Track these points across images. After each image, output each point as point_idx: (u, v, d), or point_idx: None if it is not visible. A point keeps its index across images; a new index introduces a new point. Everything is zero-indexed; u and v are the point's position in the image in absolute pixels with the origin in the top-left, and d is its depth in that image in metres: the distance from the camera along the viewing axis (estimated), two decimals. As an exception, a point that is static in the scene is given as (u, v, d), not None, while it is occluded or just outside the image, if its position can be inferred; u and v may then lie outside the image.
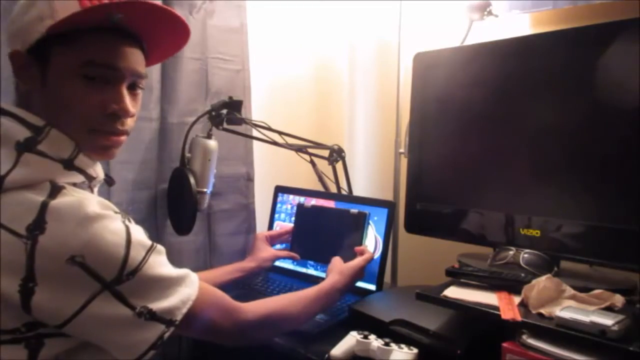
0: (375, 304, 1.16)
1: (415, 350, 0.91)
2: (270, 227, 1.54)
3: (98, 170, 0.79)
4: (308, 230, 1.37)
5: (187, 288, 0.76)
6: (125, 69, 0.76)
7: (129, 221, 0.74)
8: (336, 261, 1.16)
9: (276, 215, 1.54)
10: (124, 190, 1.29)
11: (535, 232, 1.07)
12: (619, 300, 0.84)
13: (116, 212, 0.73)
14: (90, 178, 0.77)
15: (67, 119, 0.74)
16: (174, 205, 1.36)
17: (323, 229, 1.33)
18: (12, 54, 0.75)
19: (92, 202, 0.70)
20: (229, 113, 1.35)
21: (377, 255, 1.31)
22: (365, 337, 0.96)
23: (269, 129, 1.43)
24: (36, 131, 0.72)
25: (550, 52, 1.08)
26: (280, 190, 1.56)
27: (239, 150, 1.53)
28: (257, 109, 1.55)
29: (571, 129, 1.04)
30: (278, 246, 1.42)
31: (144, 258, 0.71)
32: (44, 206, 0.67)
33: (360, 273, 1.15)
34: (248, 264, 1.30)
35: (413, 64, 1.31)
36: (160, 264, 0.74)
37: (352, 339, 0.97)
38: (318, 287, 1.04)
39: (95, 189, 0.81)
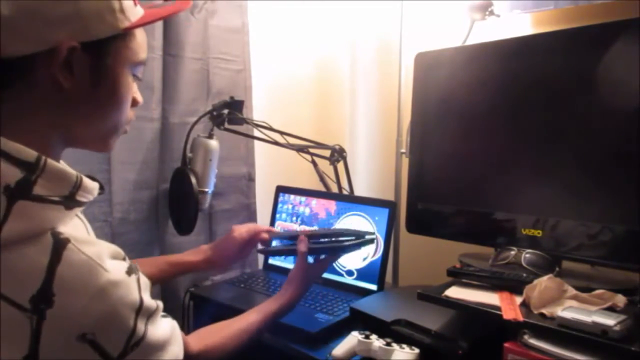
0: (376, 303, 1.16)
1: (416, 350, 0.91)
2: (272, 227, 1.54)
3: (95, 191, 0.70)
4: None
5: (175, 346, 0.73)
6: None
7: (139, 274, 0.67)
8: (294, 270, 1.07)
9: (277, 215, 1.54)
10: (125, 190, 1.29)
11: (537, 232, 1.07)
12: (620, 300, 0.84)
13: (129, 270, 0.65)
14: (86, 204, 0.68)
15: (117, 115, 0.71)
16: (176, 205, 1.36)
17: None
18: (64, 46, 0.61)
19: (104, 260, 0.62)
20: (230, 113, 1.35)
21: (379, 255, 1.31)
22: (367, 337, 0.96)
23: (270, 129, 1.43)
24: (28, 169, 0.59)
25: (551, 52, 1.08)
26: (281, 190, 1.56)
27: (240, 150, 1.53)
28: (259, 109, 1.56)
29: (572, 129, 1.04)
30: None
31: (145, 325, 0.65)
32: (50, 273, 0.57)
33: (317, 271, 1.07)
34: (189, 257, 1.15)
35: (414, 64, 1.31)
36: (156, 325, 0.68)
37: (353, 339, 0.97)
38: (268, 312, 0.99)
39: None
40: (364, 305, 1.13)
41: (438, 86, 1.26)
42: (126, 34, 0.67)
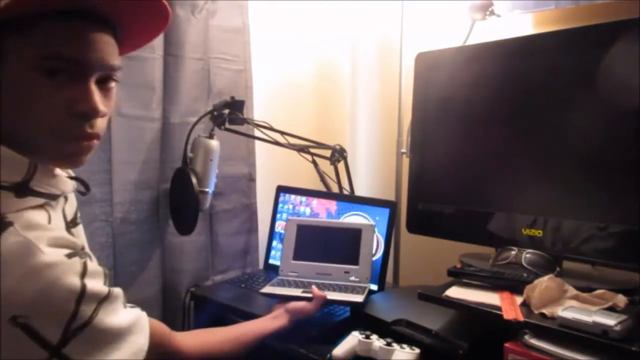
0: (377, 303, 1.15)
1: (417, 350, 0.91)
2: (272, 226, 1.54)
3: (63, 186, 0.68)
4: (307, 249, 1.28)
5: (138, 336, 0.69)
6: (94, 61, 0.64)
7: (90, 259, 0.65)
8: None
9: (278, 215, 1.54)
10: (126, 191, 1.29)
11: (538, 232, 1.07)
12: (621, 300, 0.84)
13: (72, 254, 0.62)
14: (52, 197, 0.66)
15: (26, 123, 0.62)
16: (176, 205, 1.36)
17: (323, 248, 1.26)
18: None
19: (41, 243, 0.59)
20: (231, 113, 1.35)
21: (379, 255, 1.31)
22: (367, 337, 0.96)
23: (271, 129, 1.43)
24: None
25: (552, 52, 1.08)
26: (282, 190, 1.56)
27: (241, 150, 1.53)
28: (259, 109, 1.56)
29: (573, 129, 1.04)
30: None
31: (94, 310, 0.62)
32: None
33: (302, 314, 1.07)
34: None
35: (415, 64, 1.31)
36: (112, 313, 0.65)
37: (354, 339, 0.97)
38: (260, 330, 1.01)
39: (61, 202, 0.71)
40: (365, 305, 1.12)
41: (439, 86, 1.26)
42: (20, 23, 0.60)
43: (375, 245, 1.31)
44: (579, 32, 1.05)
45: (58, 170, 0.71)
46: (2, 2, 0.58)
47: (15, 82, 0.61)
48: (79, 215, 0.81)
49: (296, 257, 1.26)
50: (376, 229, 1.32)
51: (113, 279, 1.26)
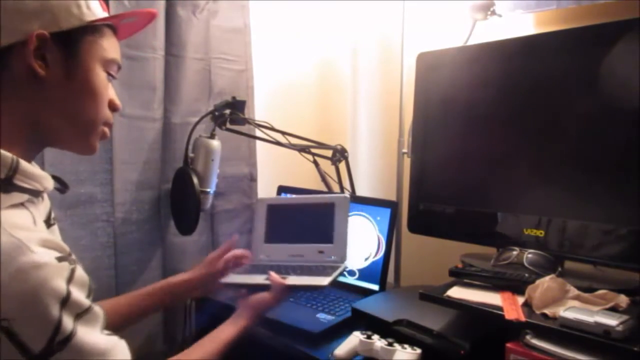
0: (378, 304, 1.16)
1: (418, 351, 0.91)
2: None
3: (45, 182, 0.70)
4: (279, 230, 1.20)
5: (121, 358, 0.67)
6: (120, 67, 0.79)
7: (75, 265, 0.64)
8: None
9: (279, 215, 1.54)
10: (127, 191, 1.29)
11: (539, 232, 1.07)
12: (623, 300, 0.84)
13: (61, 258, 0.61)
14: (35, 193, 0.68)
15: (92, 109, 0.74)
16: (177, 205, 1.36)
17: (294, 225, 1.18)
18: (34, 34, 0.66)
19: (32, 243, 0.59)
20: (232, 113, 1.35)
21: (380, 255, 1.31)
22: (369, 337, 0.96)
23: (272, 129, 1.43)
24: None
25: (554, 52, 1.07)
26: (283, 190, 1.56)
27: (242, 151, 1.53)
28: (260, 109, 1.56)
29: (575, 129, 1.04)
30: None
31: (76, 322, 0.60)
32: None
33: (270, 305, 1.02)
34: (183, 276, 1.08)
35: (416, 64, 1.31)
36: (90, 330, 0.62)
37: (355, 339, 0.97)
38: (227, 335, 0.95)
39: (39, 201, 0.72)
40: (366, 305, 1.12)
41: (440, 86, 1.26)
42: (95, 30, 0.73)
43: (377, 245, 1.31)
44: (581, 32, 1.04)
45: (38, 167, 0.72)
46: (88, 9, 0.72)
47: (90, 74, 0.72)
48: (52, 216, 0.80)
49: (268, 239, 1.19)
50: (377, 229, 1.32)
51: (114, 279, 1.27)
